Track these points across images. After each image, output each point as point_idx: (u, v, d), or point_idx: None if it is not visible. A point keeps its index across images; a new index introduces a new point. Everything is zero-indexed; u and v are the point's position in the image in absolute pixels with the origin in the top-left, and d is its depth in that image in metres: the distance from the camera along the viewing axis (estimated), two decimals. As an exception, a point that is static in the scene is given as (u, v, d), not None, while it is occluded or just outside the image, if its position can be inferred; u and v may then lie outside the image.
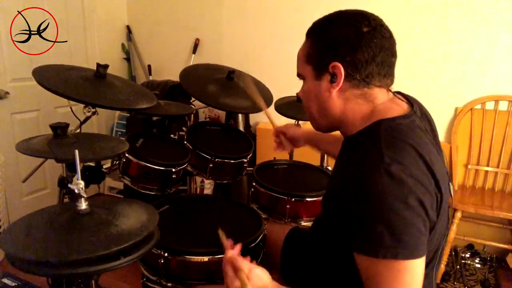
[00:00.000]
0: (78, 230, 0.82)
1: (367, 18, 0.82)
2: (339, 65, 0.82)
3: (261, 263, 1.15)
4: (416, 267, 0.72)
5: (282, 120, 1.86)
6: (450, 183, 0.86)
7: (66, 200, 1.30)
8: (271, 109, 1.82)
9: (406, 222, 0.70)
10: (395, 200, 0.69)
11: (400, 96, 0.90)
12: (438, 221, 0.79)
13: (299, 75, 0.93)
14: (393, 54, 0.84)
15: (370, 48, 0.81)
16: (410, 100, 0.90)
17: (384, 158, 0.73)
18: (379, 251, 0.71)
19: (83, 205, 0.86)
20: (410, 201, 0.70)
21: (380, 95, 0.85)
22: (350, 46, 0.81)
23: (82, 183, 0.86)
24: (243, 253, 1.04)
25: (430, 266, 0.85)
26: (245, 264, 0.84)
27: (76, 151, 0.89)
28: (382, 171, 0.71)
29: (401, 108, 0.85)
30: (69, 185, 0.86)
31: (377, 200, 0.70)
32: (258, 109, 1.53)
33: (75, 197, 0.86)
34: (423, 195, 0.72)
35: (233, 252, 0.88)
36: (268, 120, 1.47)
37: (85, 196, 0.87)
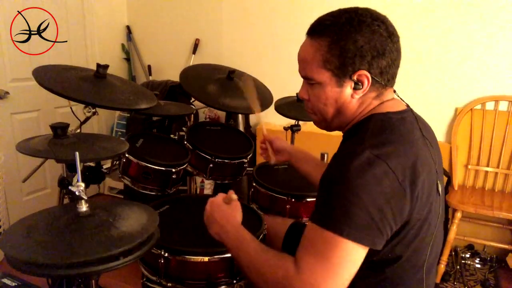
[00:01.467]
0: (78, 232, 0.82)
1: (383, 21, 0.82)
2: (367, 73, 0.81)
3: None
4: (351, 251, 0.72)
5: (282, 120, 1.86)
6: (438, 181, 0.85)
7: (66, 200, 1.30)
8: (268, 113, 1.81)
9: (361, 205, 0.70)
10: (359, 183, 0.71)
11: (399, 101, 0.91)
12: (418, 218, 0.78)
13: (308, 78, 0.87)
14: (400, 55, 0.86)
15: (392, 53, 0.82)
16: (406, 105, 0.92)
17: (364, 144, 0.75)
18: (325, 221, 0.73)
19: (84, 207, 0.86)
20: (374, 190, 0.71)
21: (389, 94, 0.88)
22: (377, 54, 0.80)
23: (82, 185, 0.86)
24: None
25: (421, 266, 0.85)
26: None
27: (77, 153, 0.89)
28: (358, 155, 0.73)
29: (399, 105, 0.88)
30: (69, 187, 0.86)
31: (342, 178, 0.72)
32: (251, 111, 1.52)
33: (76, 199, 0.86)
34: (391, 188, 0.72)
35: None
36: (268, 120, 1.47)
37: (86, 198, 0.87)
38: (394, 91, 0.91)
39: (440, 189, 0.85)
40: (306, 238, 0.77)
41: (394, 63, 0.83)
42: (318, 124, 0.96)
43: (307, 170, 1.32)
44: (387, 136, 0.78)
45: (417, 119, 0.88)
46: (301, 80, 0.92)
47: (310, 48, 0.85)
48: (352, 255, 0.72)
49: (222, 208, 1.00)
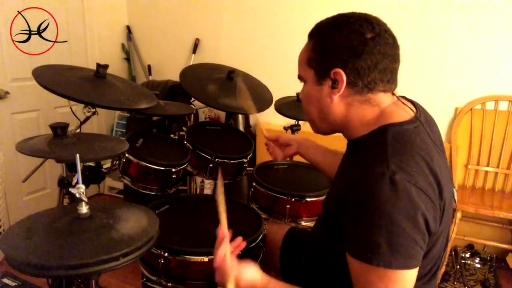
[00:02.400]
0: (78, 234, 0.82)
1: (371, 23, 0.81)
2: (341, 71, 0.80)
3: (261, 263, 1.16)
4: (407, 278, 0.73)
5: (282, 120, 1.86)
6: (454, 188, 0.86)
7: (66, 200, 1.30)
8: (268, 113, 1.81)
9: (404, 233, 0.70)
10: (396, 210, 0.69)
11: (404, 100, 0.88)
12: (441, 229, 0.79)
13: (300, 77, 0.92)
14: (395, 60, 0.83)
15: (373, 55, 0.79)
16: (415, 105, 0.90)
17: (390, 166, 0.72)
18: (373, 258, 0.71)
19: (84, 209, 0.86)
20: (412, 214, 0.70)
21: (385, 99, 0.85)
22: (353, 53, 0.79)
23: (83, 187, 0.86)
24: (243, 254, 1.04)
25: (431, 272, 0.85)
26: (234, 269, 0.85)
27: (77, 155, 0.89)
28: (387, 179, 0.70)
29: (406, 112, 0.85)
30: (70, 189, 0.86)
31: (378, 208, 0.70)
32: (247, 112, 1.51)
33: (76, 201, 0.86)
34: (426, 208, 0.72)
35: (221, 254, 0.86)
36: (268, 120, 1.47)
37: (86, 200, 0.87)
38: (397, 96, 0.88)
39: (455, 196, 0.87)
40: (359, 277, 0.76)
41: (377, 66, 0.80)
42: (311, 126, 0.96)
43: (316, 158, 1.30)
44: (409, 154, 0.76)
45: (427, 124, 0.86)
46: (302, 82, 0.93)
47: (304, 49, 0.89)
48: (407, 281, 0.73)
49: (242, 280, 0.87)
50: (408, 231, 0.70)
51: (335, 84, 0.82)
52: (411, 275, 0.73)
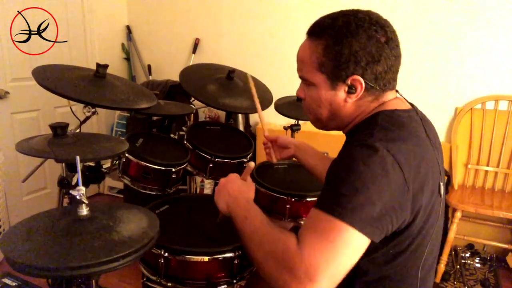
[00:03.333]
0: (78, 236, 0.82)
1: (382, 26, 0.81)
2: (360, 78, 0.81)
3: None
4: (351, 237, 0.71)
5: (282, 120, 1.86)
6: (441, 183, 0.85)
7: (65, 200, 1.30)
8: (268, 112, 1.81)
9: (368, 197, 0.70)
10: (368, 174, 0.71)
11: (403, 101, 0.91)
12: (421, 222, 0.78)
13: (304, 79, 0.89)
14: (400, 58, 0.85)
15: (389, 59, 0.81)
16: (410, 103, 0.92)
17: (374, 136, 0.76)
18: (331, 207, 0.72)
19: (84, 211, 0.86)
20: (381, 183, 0.71)
21: (389, 95, 0.87)
22: (372, 60, 0.80)
23: (83, 189, 0.86)
24: (244, 253, 1.04)
25: (420, 265, 0.85)
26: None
27: (77, 157, 0.89)
28: (367, 143, 0.74)
29: (404, 104, 0.88)
30: (70, 192, 0.86)
31: (352, 166, 0.73)
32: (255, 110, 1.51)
33: (77, 203, 0.86)
34: (395, 182, 0.72)
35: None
36: (268, 120, 1.47)
37: (86, 202, 0.87)
38: (397, 91, 0.90)
39: (442, 190, 0.85)
40: (311, 219, 0.76)
41: (391, 69, 0.82)
42: (314, 123, 0.96)
43: (313, 163, 1.31)
44: (397, 132, 0.78)
45: (422, 119, 0.88)
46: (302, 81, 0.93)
47: (307, 49, 0.86)
48: (354, 243, 0.72)
49: (237, 182, 1.01)
50: (373, 196, 0.71)
51: (351, 89, 0.82)
52: (358, 239, 0.71)
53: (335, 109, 0.87)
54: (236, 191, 0.98)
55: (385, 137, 0.76)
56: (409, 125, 0.81)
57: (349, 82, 0.82)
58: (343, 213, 0.70)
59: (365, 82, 0.81)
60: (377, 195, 0.71)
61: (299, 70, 0.89)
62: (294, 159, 1.39)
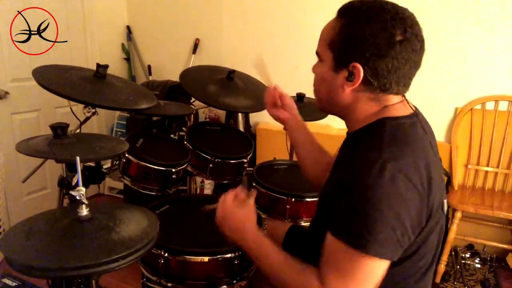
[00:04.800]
0: (79, 236, 0.82)
1: (405, 24, 0.77)
2: (360, 67, 0.78)
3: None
4: (376, 268, 0.72)
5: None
6: (445, 200, 0.85)
7: (66, 200, 1.30)
8: (267, 113, 1.80)
9: (384, 221, 0.70)
10: (381, 197, 0.70)
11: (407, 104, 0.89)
12: (430, 226, 0.78)
13: (317, 53, 0.88)
14: (417, 66, 0.83)
15: (396, 60, 0.77)
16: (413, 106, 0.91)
17: (383, 154, 0.73)
18: (345, 235, 0.72)
19: (84, 211, 0.86)
20: (395, 204, 0.70)
21: (393, 99, 0.84)
22: (377, 52, 0.76)
23: (83, 190, 0.86)
24: (244, 253, 1.04)
25: (422, 269, 0.85)
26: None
27: (78, 158, 0.89)
28: (378, 165, 0.72)
29: (407, 108, 0.86)
30: (70, 192, 0.86)
31: (364, 192, 0.71)
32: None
33: (76, 203, 0.86)
34: (411, 201, 0.72)
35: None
36: (268, 119, 1.46)
37: (87, 202, 0.87)
38: (405, 98, 0.88)
39: (445, 208, 0.86)
40: (330, 253, 0.76)
41: (397, 71, 0.78)
42: (316, 103, 0.94)
43: (300, 141, 1.19)
44: (403, 145, 0.77)
45: (423, 124, 0.87)
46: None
47: (329, 25, 0.84)
48: (376, 271, 0.73)
49: (236, 216, 0.94)
50: (389, 220, 0.70)
51: (351, 77, 0.80)
52: (381, 266, 0.73)
53: (333, 93, 0.86)
54: (238, 227, 0.93)
55: (393, 154, 0.74)
56: (413, 133, 0.80)
57: (350, 68, 0.80)
58: (362, 244, 0.71)
59: (364, 73, 0.78)
60: (394, 218, 0.71)
61: (318, 45, 0.88)
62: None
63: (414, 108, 0.88)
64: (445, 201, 0.85)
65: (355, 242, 0.71)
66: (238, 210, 0.95)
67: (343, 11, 0.82)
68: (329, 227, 0.77)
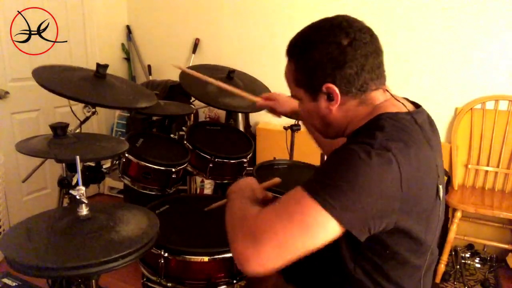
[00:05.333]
0: (78, 235, 0.82)
1: (343, 28, 0.80)
2: (331, 85, 0.81)
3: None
4: (324, 222, 0.69)
5: (282, 120, 1.86)
6: (440, 185, 0.83)
7: (66, 200, 1.30)
8: (267, 113, 1.82)
9: (356, 188, 0.68)
10: (366, 168, 0.69)
11: (401, 99, 0.89)
12: (425, 221, 0.78)
13: (293, 96, 0.92)
14: (378, 54, 0.83)
15: (356, 60, 0.79)
16: (415, 105, 0.91)
17: (376, 137, 0.74)
18: (312, 188, 0.71)
19: (84, 210, 0.86)
20: (376, 180, 0.69)
21: (378, 95, 0.85)
22: (336, 65, 0.79)
23: (83, 189, 0.86)
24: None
25: (420, 266, 0.84)
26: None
27: (77, 157, 0.89)
28: (371, 141, 0.72)
29: (397, 107, 0.85)
30: (70, 191, 0.86)
31: (351, 158, 0.71)
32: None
33: (76, 203, 0.86)
34: (390, 186, 0.70)
35: None
36: (268, 119, 1.47)
37: (86, 202, 0.87)
38: (390, 94, 0.88)
39: (441, 193, 0.84)
40: (284, 197, 0.76)
41: (364, 68, 0.80)
42: (321, 135, 0.98)
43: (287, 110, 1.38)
44: (400, 135, 0.77)
45: (426, 120, 0.87)
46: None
47: (286, 70, 0.91)
48: (318, 224, 0.69)
49: (250, 181, 1.02)
50: (360, 187, 0.68)
51: (330, 97, 0.83)
52: (330, 225, 0.69)
53: (325, 118, 0.88)
54: (247, 185, 0.99)
55: (387, 137, 0.74)
56: (411, 127, 0.80)
57: (324, 90, 0.82)
58: (318, 192, 0.69)
59: (338, 87, 0.81)
60: (367, 190, 0.69)
61: (289, 87, 0.93)
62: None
63: (411, 107, 0.88)
64: (440, 186, 0.83)
65: (314, 189, 0.70)
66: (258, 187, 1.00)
67: (289, 53, 0.88)
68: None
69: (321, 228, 0.70)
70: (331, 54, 0.79)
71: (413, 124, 0.82)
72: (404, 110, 0.84)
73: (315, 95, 0.85)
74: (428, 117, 0.91)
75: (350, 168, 0.70)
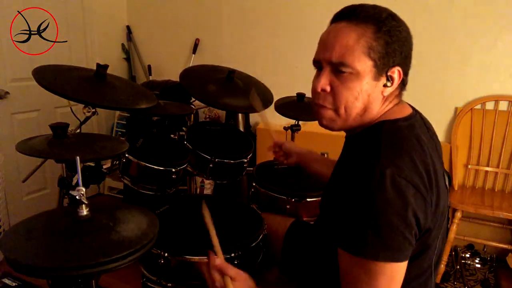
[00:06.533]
0: (78, 236, 0.82)
1: (401, 21, 0.82)
2: (401, 71, 0.81)
3: (262, 259, 1.16)
4: (395, 272, 0.73)
5: (282, 120, 1.86)
6: (447, 188, 0.86)
7: (66, 200, 1.30)
8: (268, 112, 1.83)
9: (392, 226, 0.70)
10: (385, 203, 0.70)
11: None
12: (434, 226, 0.79)
13: (344, 65, 0.78)
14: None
15: (410, 55, 0.83)
16: (411, 106, 0.91)
17: (381, 160, 0.73)
18: (360, 249, 0.72)
19: (84, 211, 0.86)
20: (400, 207, 0.70)
21: (401, 96, 0.88)
22: (408, 54, 0.82)
23: (83, 190, 0.86)
24: (244, 253, 1.04)
25: (428, 272, 0.85)
26: (232, 270, 0.85)
27: (77, 158, 0.89)
28: (377, 172, 0.71)
29: (406, 108, 0.87)
30: (70, 192, 0.86)
31: (368, 200, 0.71)
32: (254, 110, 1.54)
33: (76, 203, 0.86)
34: (415, 202, 0.72)
35: (220, 260, 0.87)
36: (268, 120, 1.48)
37: (86, 202, 0.87)
38: None
39: (447, 183, 0.86)
40: (347, 270, 0.76)
41: (410, 68, 0.84)
42: (330, 121, 0.85)
43: (319, 170, 1.32)
44: (402, 149, 0.77)
45: (422, 123, 0.87)
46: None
47: (353, 33, 0.77)
48: (395, 275, 0.73)
49: None
50: (396, 224, 0.70)
51: (388, 82, 0.80)
52: (399, 268, 0.73)
53: (370, 102, 0.80)
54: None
55: (393, 158, 0.74)
56: (411, 135, 0.80)
57: (389, 73, 0.79)
58: (375, 253, 0.71)
59: (403, 75, 0.82)
60: (401, 222, 0.71)
61: (339, 56, 0.78)
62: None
63: (412, 109, 0.89)
64: (447, 182, 0.86)
65: (369, 254, 0.71)
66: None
67: (362, 17, 0.78)
68: (339, 243, 0.76)
69: (398, 274, 0.74)
70: (409, 42, 0.81)
71: (413, 129, 0.82)
72: (407, 113, 0.85)
73: (380, 75, 0.78)
74: (424, 119, 0.91)
75: (379, 213, 0.70)
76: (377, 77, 0.79)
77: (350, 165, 0.80)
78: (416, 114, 0.88)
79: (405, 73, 0.82)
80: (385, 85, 0.80)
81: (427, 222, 0.75)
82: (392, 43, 0.78)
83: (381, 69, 0.78)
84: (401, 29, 0.80)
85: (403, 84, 0.84)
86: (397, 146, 0.77)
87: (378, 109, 0.83)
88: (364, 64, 0.77)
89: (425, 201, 0.74)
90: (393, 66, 0.79)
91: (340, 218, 0.76)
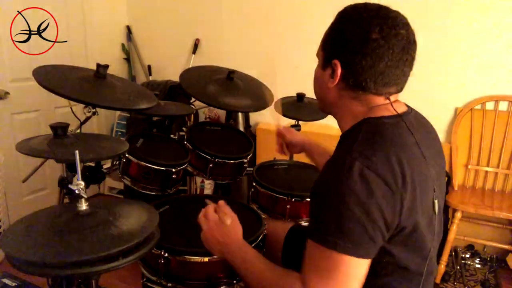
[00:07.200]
0: (78, 231, 0.82)
1: (384, 23, 0.78)
2: (338, 64, 0.82)
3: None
4: (354, 266, 0.73)
5: (282, 121, 1.86)
6: (436, 200, 0.83)
7: (66, 200, 1.30)
8: (268, 113, 1.84)
9: (354, 218, 0.70)
10: (349, 193, 0.71)
11: (397, 104, 0.87)
12: (412, 224, 0.77)
13: (317, 55, 0.92)
14: (398, 66, 0.79)
15: (369, 57, 0.77)
16: (408, 106, 0.91)
17: (353, 153, 0.74)
18: (317, 236, 0.73)
19: (84, 205, 0.86)
20: (364, 200, 0.71)
21: (376, 100, 0.84)
22: (352, 49, 0.79)
23: (82, 184, 0.86)
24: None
25: (419, 275, 0.84)
26: (232, 213, 0.98)
27: (77, 152, 0.89)
28: (347, 163, 0.73)
29: (390, 111, 0.84)
30: (69, 186, 0.86)
31: (332, 190, 0.73)
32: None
33: (75, 197, 0.86)
34: (382, 196, 0.71)
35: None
36: (268, 120, 1.49)
37: (86, 196, 0.87)
38: (390, 102, 0.85)
39: (436, 208, 0.83)
40: (309, 256, 0.77)
41: (371, 69, 0.78)
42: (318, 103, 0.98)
43: (319, 160, 1.35)
44: (377, 141, 0.77)
45: (416, 122, 0.86)
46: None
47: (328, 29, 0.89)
48: (354, 270, 0.73)
49: (221, 227, 0.97)
50: (358, 215, 0.70)
51: (333, 74, 0.84)
52: (358, 264, 0.73)
53: (322, 90, 0.90)
54: (225, 238, 0.96)
55: (364, 151, 0.75)
56: (393, 130, 0.80)
57: (332, 65, 0.83)
58: (335, 243, 0.71)
59: (342, 69, 0.82)
60: (365, 215, 0.71)
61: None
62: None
63: (405, 109, 0.88)
64: (436, 201, 0.83)
65: (328, 242, 0.72)
66: (223, 223, 0.98)
67: (337, 15, 0.86)
68: (307, 231, 0.78)
69: (358, 270, 0.75)
70: (354, 37, 0.79)
71: (398, 127, 0.82)
72: (392, 113, 0.83)
73: (326, 65, 0.86)
74: (422, 122, 0.90)
75: (342, 203, 0.72)
76: (324, 67, 0.87)
77: (329, 159, 0.82)
78: (409, 113, 0.87)
79: (351, 70, 0.80)
80: (331, 76, 0.84)
81: (396, 219, 0.74)
82: (337, 37, 0.83)
83: (327, 60, 0.85)
84: (352, 24, 0.81)
85: (351, 82, 0.81)
86: (374, 141, 0.78)
87: (336, 100, 0.87)
88: (320, 55, 0.89)
89: (394, 195, 0.72)
90: (334, 58, 0.82)
91: (310, 209, 0.79)
